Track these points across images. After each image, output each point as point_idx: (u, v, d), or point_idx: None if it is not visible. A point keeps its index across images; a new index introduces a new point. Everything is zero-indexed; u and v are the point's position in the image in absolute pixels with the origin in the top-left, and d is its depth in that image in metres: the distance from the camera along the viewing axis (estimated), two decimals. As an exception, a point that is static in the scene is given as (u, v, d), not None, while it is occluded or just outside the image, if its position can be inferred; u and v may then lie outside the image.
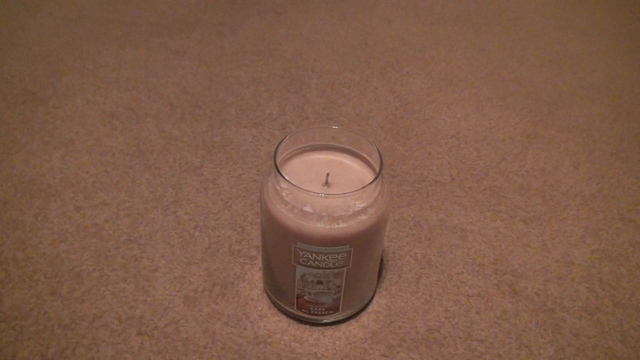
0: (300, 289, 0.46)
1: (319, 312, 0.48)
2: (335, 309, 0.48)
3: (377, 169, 0.44)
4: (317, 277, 0.45)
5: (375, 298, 0.51)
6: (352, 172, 0.46)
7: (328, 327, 0.49)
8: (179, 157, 0.66)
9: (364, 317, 0.50)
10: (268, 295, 0.51)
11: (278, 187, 0.43)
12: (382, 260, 0.55)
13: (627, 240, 0.59)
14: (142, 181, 0.63)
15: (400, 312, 0.50)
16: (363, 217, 0.42)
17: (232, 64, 0.84)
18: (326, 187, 0.44)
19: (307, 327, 0.49)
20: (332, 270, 0.44)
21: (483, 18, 1.02)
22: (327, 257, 0.43)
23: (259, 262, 0.54)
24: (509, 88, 0.83)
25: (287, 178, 0.42)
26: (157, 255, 0.54)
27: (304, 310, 0.48)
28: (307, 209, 0.42)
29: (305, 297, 0.47)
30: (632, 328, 0.50)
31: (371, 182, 0.42)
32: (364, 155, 0.47)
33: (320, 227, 0.41)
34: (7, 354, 0.46)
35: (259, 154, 0.67)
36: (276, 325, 0.49)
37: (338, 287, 0.46)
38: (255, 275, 0.53)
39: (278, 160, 0.44)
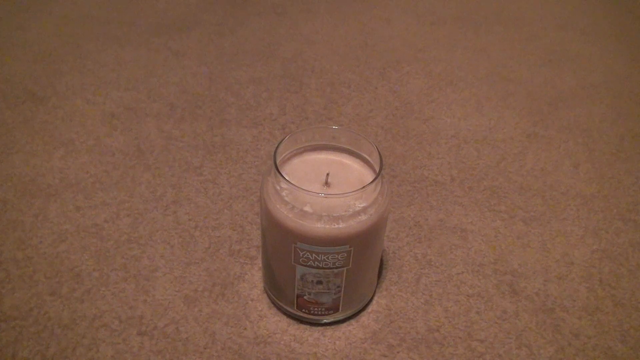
0: (300, 289, 0.46)
1: (319, 312, 0.48)
2: (335, 309, 0.48)
3: (377, 169, 0.44)
4: (317, 277, 0.45)
5: (375, 298, 0.51)
6: (352, 172, 0.46)
7: (328, 327, 0.49)
8: (179, 157, 0.66)
9: (364, 317, 0.50)
10: (268, 295, 0.51)
11: (278, 187, 0.43)
12: (382, 260, 0.55)
13: (627, 240, 0.59)
14: (142, 181, 0.63)
15: (400, 312, 0.50)
16: (363, 217, 0.42)
17: (232, 64, 0.84)
18: (326, 187, 0.44)
19: (307, 327, 0.49)
20: (332, 270, 0.44)
21: (483, 18, 1.02)
22: (327, 257, 0.43)
23: (259, 262, 0.54)
24: (509, 88, 0.83)
25: (287, 178, 0.42)
26: (157, 255, 0.54)
27: (304, 310, 0.48)
28: (307, 209, 0.42)
29: (305, 297, 0.47)
30: (632, 328, 0.50)
31: (371, 182, 0.42)
32: (364, 155, 0.47)
33: (320, 227, 0.41)
34: (7, 354, 0.46)
35: (259, 154, 0.67)
36: (276, 325, 0.49)
37: (338, 287, 0.46)
38: (255, 275, 0.53)
39: (278, 160, 0.44)
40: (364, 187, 0.42)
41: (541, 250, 0.57)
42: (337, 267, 0.44)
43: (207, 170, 0.65)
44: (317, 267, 0.44)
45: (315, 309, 0.47)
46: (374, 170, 0.46)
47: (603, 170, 0.68)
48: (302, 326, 0.49)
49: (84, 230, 0.56)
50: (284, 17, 0.98)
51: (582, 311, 0.51)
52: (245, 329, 0.48)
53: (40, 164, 0.64)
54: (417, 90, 0.81)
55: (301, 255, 0.43)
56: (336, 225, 0.41)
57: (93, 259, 0.54)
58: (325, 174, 0.45)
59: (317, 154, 0.47)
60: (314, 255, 0.43)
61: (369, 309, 0.51)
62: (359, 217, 0.42)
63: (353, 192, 0.41)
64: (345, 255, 0.43)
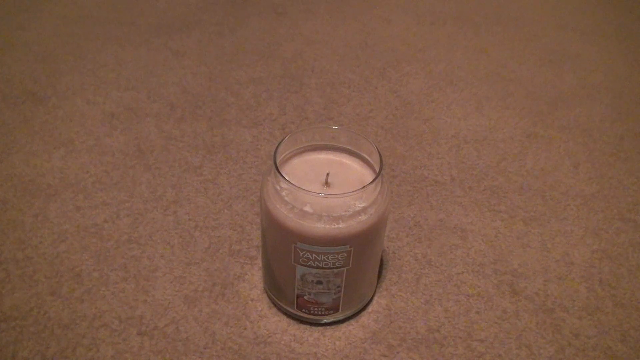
0: (300, 289, 0.46)
1: (319, 312, 0.48)
2: (335, 309, 0.48)
3: (377, 169, 0.44)
4: (317, 277, 0.45)
5: (375, 298, 0.51)
6: (352, 172, 0.46)
7: (328, 327, 0.49)
8: (179, 157, 0.66)
9: (364, 317, 0.50)
10: (268, 295, 0.51)
11: (278, 187, 0.43)
12: (382, 260, 0.55)
13: (627, 240, 0.59)
14: (142, 181, 0.63)
15: (400, 312, 0.50)
16: (363, 217, 0.42)
17: (232, 64, 0.84)
18: (326, 187, 0.44)
19: (307, 327, 0.49)
20: (332, 270, 0.44)
21: (483, 18, 1.02)
22: (327, 257, 0.43)
23: (259, 262, 0.54)
24: (509, 88, 0.83)
25: (287, 178, 0.42)
26: (157, 255, 0.54)
27: (304, 310, 0.48)
28: (307, 209, 0.42)
29: (305, 297, 0.47)
30: (632, 328, 0.50)
31: (371, 182, 0.42)
32: (364, 155, 0.47)
33: (320, 227, 0.41)
34: (7, 354, 0.46)
35: (259, 154, 0.67)
36: (276, 325, 0.49)
37: (338, 287, 0.46)
38: (255, 275, 0.53)
39: (278, 160, 0.44)
40: (364, 187, 0.42)
41: (541, 250, 0.57)
42: (337, 267, 0.44)
43: (207, 170, 0.65)
44: (317, 267, 0.44)
45: (315, 309, 0.47)
46: (374, 170, 0.46)
47: (603, 170, 0.68)
48: (302, 326, 0.49)
49: (84, 230, 0.56)
50: (284, 17, 0.98)
51: (582, 311, 0.51)
52: (245, 329, 0.48)
53: (40, 164, 0.64)
54: (417, 90, 0.81)
55: (301, 255, 0.43)
56: (336, 225, 0.41)
57: (93, 259, 0.54)
58: (325, 174, 0.45)
59: (317, 154, 0.47)
60: (314, 255, 0.43)
61: (369, 309, 0.51)
62: (359, 217, 0.42)
63: (353, 192, 0.41)
64: (345, 255, 0.43)
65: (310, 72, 0.83)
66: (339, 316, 0.49)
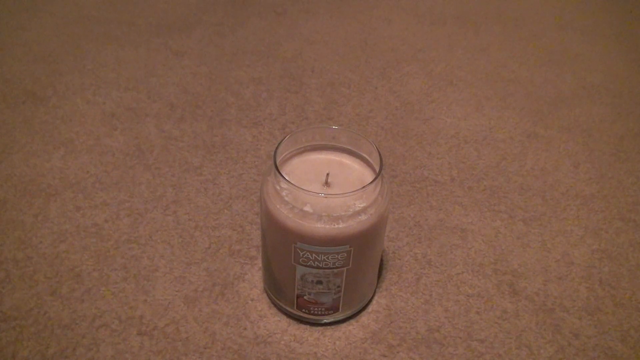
0: (300, 289, 0.46)
1: (319, 312, 0.48)
2: (335, 309, 0.48)
3: (377, 169, 0.44)
4: (317, 277, 0.45)
5: (375, 298, 0.51)
6: (352, 172, 0.46)
7: (328, 327, 0.49)
8: (179, 157, 0.66)
9: (364, 317, 0.50)
10: (268, 295, 0.51)
11: (278, 187, 0.43)
12: (382, 260, 0.55)
13: (627, 240, 0.59)
14: (142, 181, 0.63)
15: (400, 312, 0.50)
16: (363, 217, 0.42)
17: (232, 64, 0.84)
18: (326, 187, 0.45)
19: (307, 327, 0.49)
20: (332, 270, 0.44)
21: (483, 18, 1.02)
22: (327, 257, 0.43)
23: (259, 262, 0.54)
24: (509, 88, 0.83)
25: (287, 178, 0.42)
26: (157, 255, 0.54)
27: (304, 310, 0.48)
28: (307, 209, 0.42)
29: (305, 297, 0.47)
30: (632, 328, 0.50)
31: (371, 182, 0.42)
32: (364, 155, 0.47)
33: (320, 227, 0.41)
34: (7, 354, 0.46)
35: (259, 154, 0.67)
36: (276, 325, 0.49)
37: (338, 287, 0.46)
38: (255, 275, 0.53)
39: (278, 160, 0.44)
40: (364, 187, 0.42)
41: (541, 250, 0.57)
42: (337, 267, 0.44)
43: (207, 170, 0.65)
44: (317, 267, 0.44)
45: (315, 309, 0.47)
46: (374, 170, 0.46)
47: (603, 170, 0.68)
48: (302, 326, 0.49)
49: (84, 230, 0.56)
50: (284, 17, 0.98)
51: (582, 311, 0.51)
52: (245, 329, 0.48)
53: (40, 164, 0.64)
54: (417, 90, 0.81)
55: (301, 255, 0.43)
56: (336, 225, 0.41)
57: (93, 259, 0.54)
58: (325, 174, 0.45)
59: (317, 154, 0.47)
60: (314, 255, 0.43)
61: (369, 309, 0.51)
62: (359, 217, 0.42)
63: (353, 192, 0.41)
64: (345, 255, 0.43)
65: (310, 72, 0.83)
66: (339, 316, 0.49)
